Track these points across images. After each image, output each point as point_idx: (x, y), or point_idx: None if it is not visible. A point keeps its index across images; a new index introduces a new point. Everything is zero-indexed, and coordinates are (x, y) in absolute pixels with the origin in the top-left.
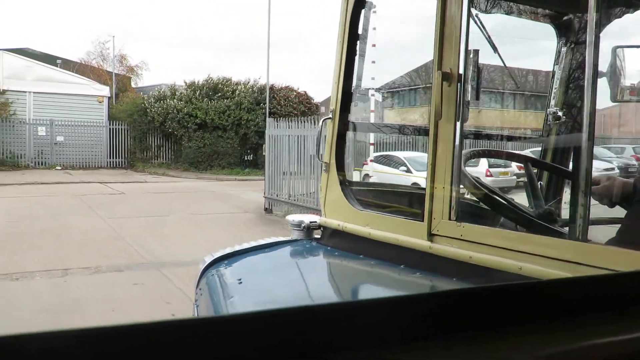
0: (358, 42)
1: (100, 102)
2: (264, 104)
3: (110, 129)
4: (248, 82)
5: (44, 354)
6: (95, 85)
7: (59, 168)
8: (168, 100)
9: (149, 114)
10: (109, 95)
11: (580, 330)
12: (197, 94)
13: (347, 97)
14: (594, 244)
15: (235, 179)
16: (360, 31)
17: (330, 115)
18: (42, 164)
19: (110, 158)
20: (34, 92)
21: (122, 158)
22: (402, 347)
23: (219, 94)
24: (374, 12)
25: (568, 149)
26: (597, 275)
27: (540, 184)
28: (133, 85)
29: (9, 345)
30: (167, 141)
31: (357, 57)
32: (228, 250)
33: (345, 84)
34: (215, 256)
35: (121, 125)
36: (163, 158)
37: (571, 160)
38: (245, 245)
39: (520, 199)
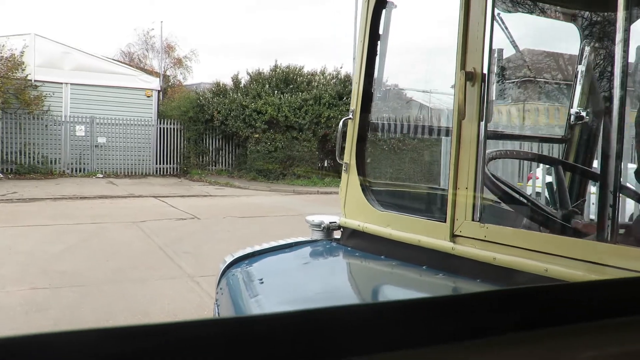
0: (379, 42)
1: (148, 96)
2: (348, 97)
3: (159, 128)
4: (325, 72)
5: (65, 353)
6: (143, 76)
7: (101, 176)
8: (231, 94)
9: (206, 111)
10: (159, 89)
11: (609, 334)
12: (267, 86)
13: (367, 97)
14: (623, 246)
15: (317, 192)
16: (381, 31)
17: (351, 116)
18: (80, 170)
19: (159, 164)
20: (71, 84)
21: (173, 164)
22: (415, 351)
23: (291, 86)
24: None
25: (594, 149)
26: (627, 277)
27: (564, 184)
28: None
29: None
30: (228, 144)
31: (377, 58)
32: (248, 250)
33: (365, 84)
34: (236, 256)
35: (173, 124)
36: (223, 164)
37: (599, 161)
38: (265, 246)
39: (545, 199)
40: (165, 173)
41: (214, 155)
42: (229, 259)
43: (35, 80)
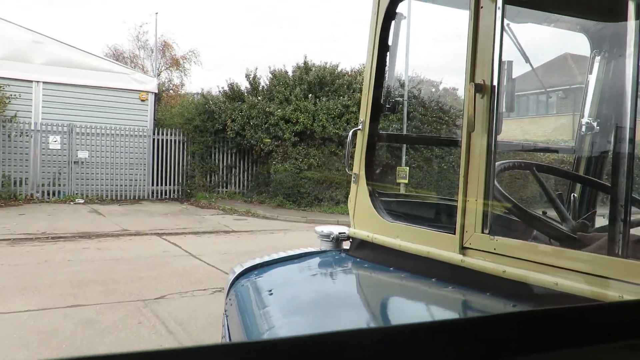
0: (388, 53)
1: (143, 100)
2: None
3: (157, 140)
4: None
5: None
6: (137, 76)
7: (81, 201)
8: (250, 97)
9: (217, 118)
10: (156, 91)
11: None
12: (298, 89)
13: (377, 108)
14: (633, 260)
15: None
16: (390, 42)
17: (360, 127)
18: (54, 194)
19: (157, 185)
20: (43, 83)
21: (174, 184)
22: None
23: (327, 88)
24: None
25: (605, 160)
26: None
27: (574, 195)
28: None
29: None
30: (244, 160)
31: (387, 68)
32: (257, 260)
33: (375, 95)
34: (245, 266)
35: (174, 135)
36: (236, 185)
37: (610, 172)
38: (275, 256)
39: (553, 211)
40: (163, 196)
41: (225, 174)
42: (238, 270)
43: None
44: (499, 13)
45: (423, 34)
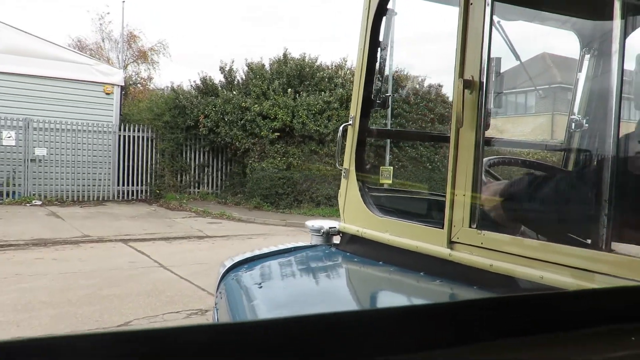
0: (379, 49)
1: (108, 93)
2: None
3: (123, 136)
4: (350, 66)
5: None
6: (101, 67)
7: (38, 203)
8: (225, 92)
9: (189, 114)
10: (122, 84)
11: (592, 343)
12: (276, 83)
13: (367, 104)
14: (618, 254)
15: None
16: (381, 38)
17: (350, 122)
18: (7, 195)
19: (123, 185)
20: None
21: (142, 185)
22: (410, 356)
23: (307, 82)
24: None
25: (592, 157)
26: (618, 286)
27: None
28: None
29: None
30: (217, 158)
31: (377, 64)
32: (248, 254)
33: (365, 90)
34: (235, 260)
35: (141, 131)
36: (209, 185)
37: (595, 168)
38: (265, 250)
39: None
40: (130, 197)
41: (197, 174)
42: (228, 263)
43: None
44: (488, 9)
45: (413, 30)
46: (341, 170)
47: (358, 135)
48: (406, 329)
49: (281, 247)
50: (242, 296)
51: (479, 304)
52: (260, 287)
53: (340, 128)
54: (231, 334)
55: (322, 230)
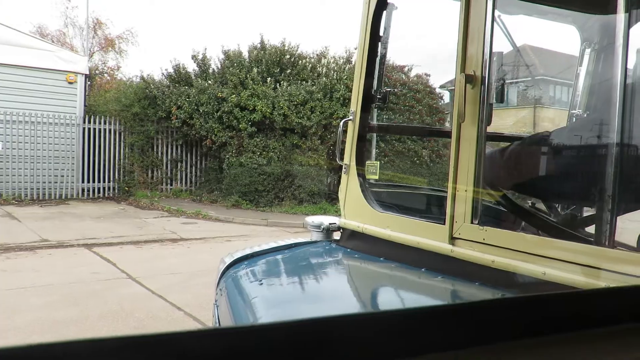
0: (379, 44)
1: (71, 82)
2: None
3: (88, 129)
4: (333, 55)
5: None
6: (63, 54)
7: None
8: (199, 81)
9: (160, 105)
10: (87, 73)
11: (615, 341)
12: (255, 71)
13: (368, 98)
14: (620, 250)
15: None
16: (381, 33)
17: (351, 117)
18: None
19: (88, 182)
20: None
21: (109, 181)
22: (417, 359)
23: (288, 71)
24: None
25: (593, 151)
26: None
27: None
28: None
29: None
30: (191, 153)
31: (378, 59)
32: (248, 251)
33: (366, 85)
34: (235, 257)
35: (108, 124)
36: (183, 182)
37: (598, 163)
38: (265, 246)
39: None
40: (96, 195)
41: (169, 170)
42: (228, 260)
43: None
44: (489, 4)
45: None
46: (340, 165)
47: (359, 131)
48: (412, 331)
49: (281, 243)
50: (243, 293)
51: (491, 305)
52: (261, 284)
53: (341, 123)
54: (232, 339)
55: (322, 226)
